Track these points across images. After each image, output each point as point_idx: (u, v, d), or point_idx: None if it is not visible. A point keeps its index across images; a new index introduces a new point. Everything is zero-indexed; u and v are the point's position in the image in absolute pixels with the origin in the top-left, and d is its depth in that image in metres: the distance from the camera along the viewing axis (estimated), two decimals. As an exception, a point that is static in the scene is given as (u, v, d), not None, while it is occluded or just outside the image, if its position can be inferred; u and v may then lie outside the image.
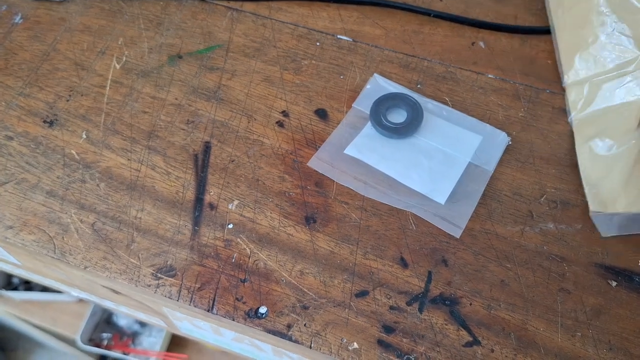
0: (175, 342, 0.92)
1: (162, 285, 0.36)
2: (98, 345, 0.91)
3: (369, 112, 0.41)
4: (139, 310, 0.53)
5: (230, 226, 0.38)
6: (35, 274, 0.55)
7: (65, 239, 0.37)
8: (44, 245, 0.37)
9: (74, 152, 0.41)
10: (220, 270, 0.36)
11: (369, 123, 0.41)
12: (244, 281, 0.36)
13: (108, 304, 0.59)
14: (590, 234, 0.37)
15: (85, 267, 0.37)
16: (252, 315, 0.35)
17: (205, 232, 0.37)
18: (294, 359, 0.44)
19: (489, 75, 0.44)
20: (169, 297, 0.36)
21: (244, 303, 0.35)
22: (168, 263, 0.36)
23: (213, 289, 0.36)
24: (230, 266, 0.36)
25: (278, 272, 0.36)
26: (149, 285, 0.36)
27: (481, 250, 0.37)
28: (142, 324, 0.93)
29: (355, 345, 0.34)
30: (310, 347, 0.34)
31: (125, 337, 0.93)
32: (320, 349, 0.34)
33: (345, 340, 0.34)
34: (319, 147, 0.41)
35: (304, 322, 0.34)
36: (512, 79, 0.44)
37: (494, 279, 0.36)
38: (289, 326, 0.34)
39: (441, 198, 0.37)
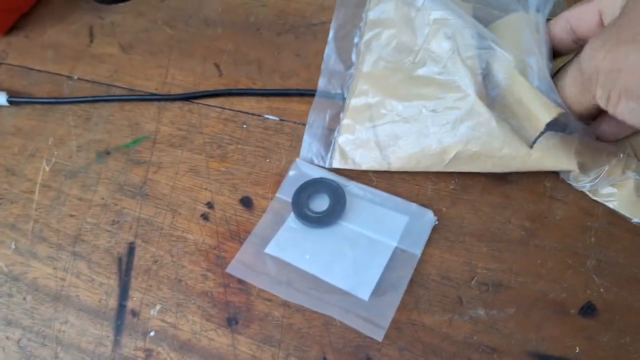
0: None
1: (85, 403, 0.35)
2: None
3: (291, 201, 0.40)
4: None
5: (152, 334, 0.37)
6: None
7: (-8, 357, 0.38)
8: (-27, 365, 0.38)
9: (2, 265, 0.41)
10: (140, 384, 0.35)
11: (292, 214, 0.40)
12: (163, 395, 0.35)
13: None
14: (524, 318, 0.35)
15: (12, 387, 0.37)
16: None
17: (126, 342, 0.37)
18: None
19: (419, 146, 0.42)
20: (90, 416, 0.35)
21: (163, 419, 0.34)
22: (89, 379, 0.36)
23: (133, 405, 0.35)
24: (150, 379, 0.36)
25: (198, 383, 0.35)
26: (72, 404, 0.36)
27: (407, 344, 0.35)
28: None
29: None
30: None
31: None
32: None
33: None
34: (243, 239, 0.40)
35: None
36: (442, 147, 0.42)
37: (419, 378, 0.34)
38: None
39: (364, 293, 0.36)
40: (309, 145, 0.42)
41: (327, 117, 0.43)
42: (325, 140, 0.42)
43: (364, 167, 0.41)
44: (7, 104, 0.48)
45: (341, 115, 0.43)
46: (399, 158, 0.40)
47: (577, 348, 0.34)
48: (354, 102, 0.41)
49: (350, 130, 0.41)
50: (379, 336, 0.35)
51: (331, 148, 0.42)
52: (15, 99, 0.48)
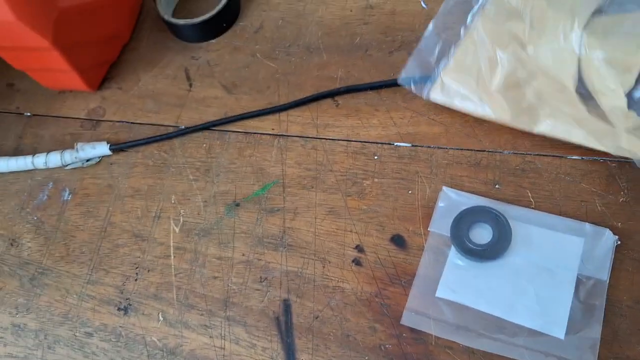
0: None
1: None
2: None
3: (449, 235, 0.37)
4: None
5: (333, 397, 0.35)
6: None
7: None
8: None
9: (155, 339, 0.39)
10: None
11: (453, 249, 0.37)
12: None
13: None
14: None
15: None
16: None
17: (307, 408, 0.35)
18: None
19: (573, 157, 0.39)
20: None
21: None
22: None
23: None
24: None
25: None
26: None
27: (617, 382, 0.32)
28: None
29: None
30: None
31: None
32: None
33: None
34: (405, 282, 0.37)
35: None
36: (601, 156, 0.39)
37: (640, 418, 0.31)
38: None
39: (559, 332, 0.33)
40: (413, 69, 0.42)
41: (436, 51, 0.43)
42: (427, 70, 0.42)
43: (458, 106, 0.41)
44: (109, 152, 0.46)
45: (452, 49, 0.42)
46: (496, 105, 0.39)
47: None
48: (467, 41, 0.41)
49: (459, 65, 0.41)
50: (590, 380, 0.32)
51: (432, 78, 0.41)
52: (117, 146, 0.46)
